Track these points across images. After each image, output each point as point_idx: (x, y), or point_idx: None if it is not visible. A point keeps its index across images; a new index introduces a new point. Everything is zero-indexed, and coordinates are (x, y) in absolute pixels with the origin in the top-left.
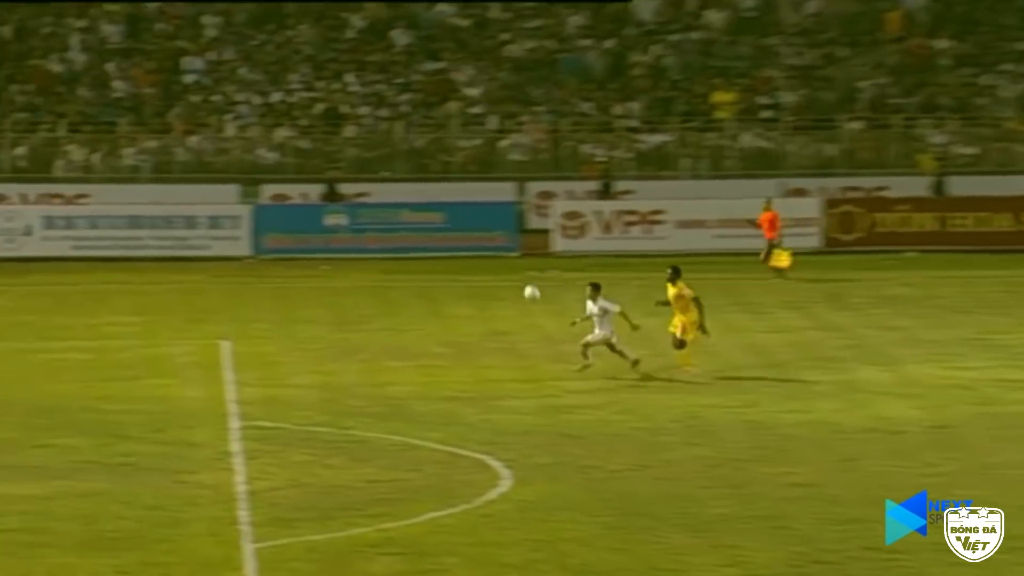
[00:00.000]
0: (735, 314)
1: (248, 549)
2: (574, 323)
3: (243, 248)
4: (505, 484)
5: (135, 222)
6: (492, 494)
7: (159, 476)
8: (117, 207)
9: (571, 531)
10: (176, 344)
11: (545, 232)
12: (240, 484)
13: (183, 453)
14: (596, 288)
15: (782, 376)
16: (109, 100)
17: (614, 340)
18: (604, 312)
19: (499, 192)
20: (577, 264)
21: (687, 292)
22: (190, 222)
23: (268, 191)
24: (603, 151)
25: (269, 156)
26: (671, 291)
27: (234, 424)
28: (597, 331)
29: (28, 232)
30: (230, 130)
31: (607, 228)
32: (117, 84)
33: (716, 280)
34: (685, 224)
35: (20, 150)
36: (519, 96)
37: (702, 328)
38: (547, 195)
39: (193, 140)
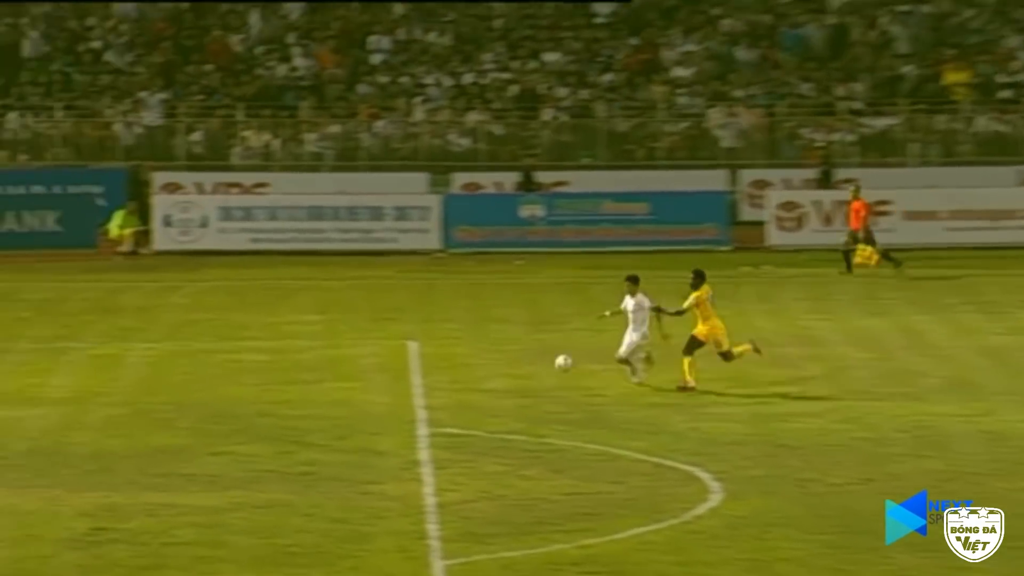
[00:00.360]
0: (969, 314)
1: (438, 566)
2: (602, 316)
3: (432, 241)
4: (715, 498)
5: (317, 213)
6: (701, 509)
7: (342, 487)
8: (298, 197)
9: (787, 550)
10: (360, 345)
11: (759, 224)
12: (429, 496)
13: (368, 462)
14: (634, 281)
15: (1022, 382)
16: (290, 82)
17: (642, 344)
18: (639, 308)
19: (709, 181)
20: (794, 259)
21: (690, 300)
22: (376, 213)
23: (459, 180)
24: (823, 136)
25: (460, 142)
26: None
27: (422, 431)
28: (631, 334)
29: (204, 224)
30: (419, 114)
31: (827, 220)
32: (299, 64)
33: (949, 277)
34: (914, 215)
35: (195, 135)
36: (732, 75)
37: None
38: (762, 184)
39: (379, 125)
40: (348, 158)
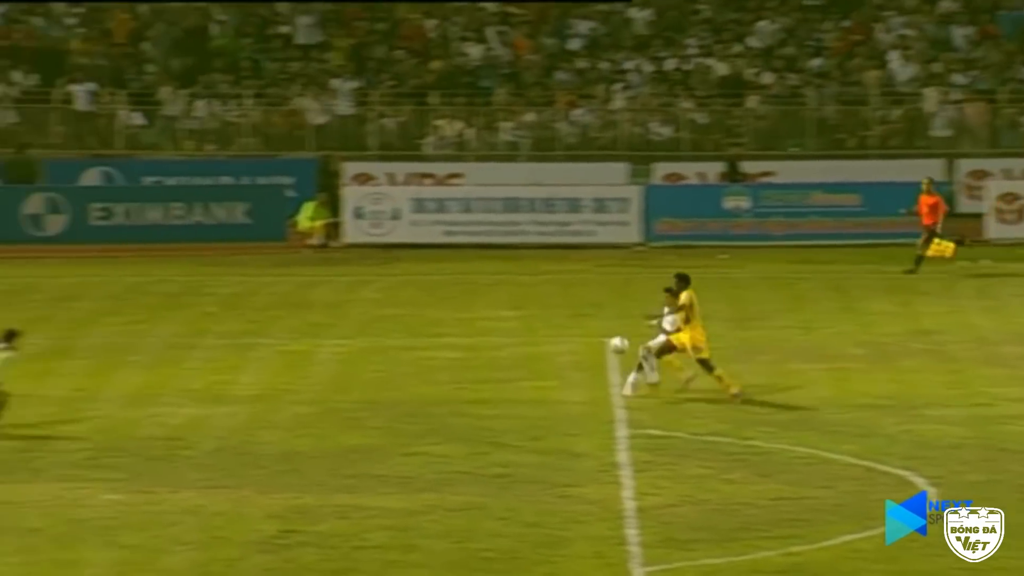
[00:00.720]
0: None
1: (637, 573)
2: (652, 318)
3: (632, 234)
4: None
5: (512, 205)
6: None
7: (538, 489)
8: (493, 188)
9: (1007, 559)
10: (557, 342)
11: (978, 216)
12: (628, 500)
13: (565, 464)
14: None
15: None
16: (486, 62)
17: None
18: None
19: (924, 171)
20: (1013, 254)
21: (684, 298)
22: (573, 205)
23: (661, 170)
24: None
25: (662, 131)
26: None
27: (621, 432)
28: (661, 336)
29: (396, 216)
30: (619, 101)
31: None
32: (494, 49)
33: None
34: None
35: (387, 123)
36: (950, 59)
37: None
38: (980, 174)
39: (577, 113)
40: (545, 148)
